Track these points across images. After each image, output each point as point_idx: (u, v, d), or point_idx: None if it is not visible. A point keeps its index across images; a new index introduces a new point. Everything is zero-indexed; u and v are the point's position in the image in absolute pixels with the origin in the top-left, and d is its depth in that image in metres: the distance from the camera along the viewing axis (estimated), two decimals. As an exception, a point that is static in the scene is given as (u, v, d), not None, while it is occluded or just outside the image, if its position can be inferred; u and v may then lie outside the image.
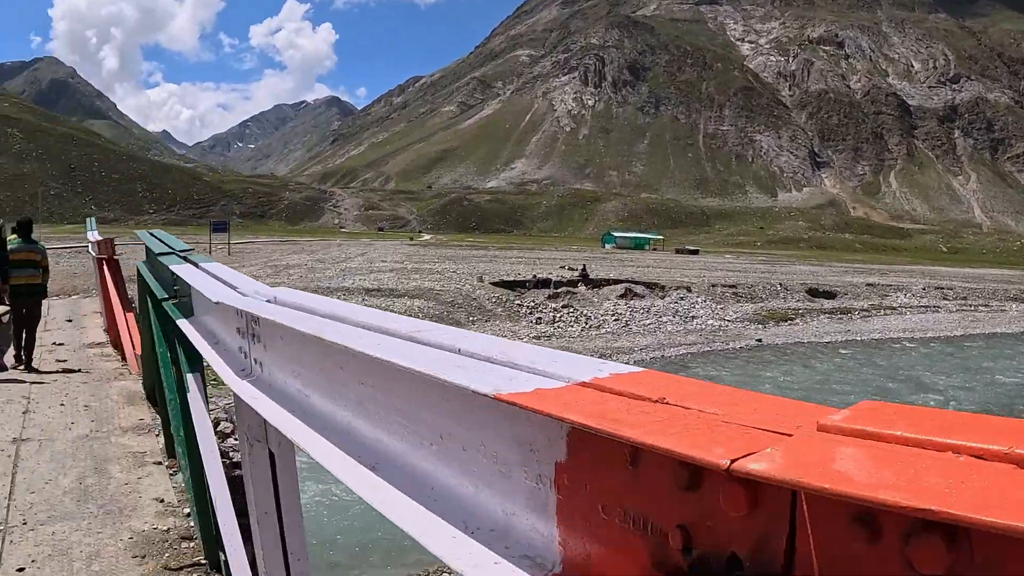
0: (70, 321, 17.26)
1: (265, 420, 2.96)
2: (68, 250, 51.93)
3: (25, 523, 6.37)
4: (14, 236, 11.29)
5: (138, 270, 7.88)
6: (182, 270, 4.61)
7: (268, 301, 3.01)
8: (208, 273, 4.31)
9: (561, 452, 1.18)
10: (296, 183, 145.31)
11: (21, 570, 5.59)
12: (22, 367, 10.89)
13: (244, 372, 3.30)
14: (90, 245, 18.21)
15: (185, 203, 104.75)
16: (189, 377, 4.91)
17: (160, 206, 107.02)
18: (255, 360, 3.15)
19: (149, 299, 7.14)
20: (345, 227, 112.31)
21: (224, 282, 3.93)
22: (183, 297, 5.19)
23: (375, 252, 62.62)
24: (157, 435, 8.42)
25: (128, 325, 11.67)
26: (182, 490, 7.20)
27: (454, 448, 1.50)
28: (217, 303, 3.34)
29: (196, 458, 5.45)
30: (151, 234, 7.54)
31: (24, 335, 11.07)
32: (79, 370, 11.48)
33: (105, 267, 12.95)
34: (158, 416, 9.01)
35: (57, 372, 11.44)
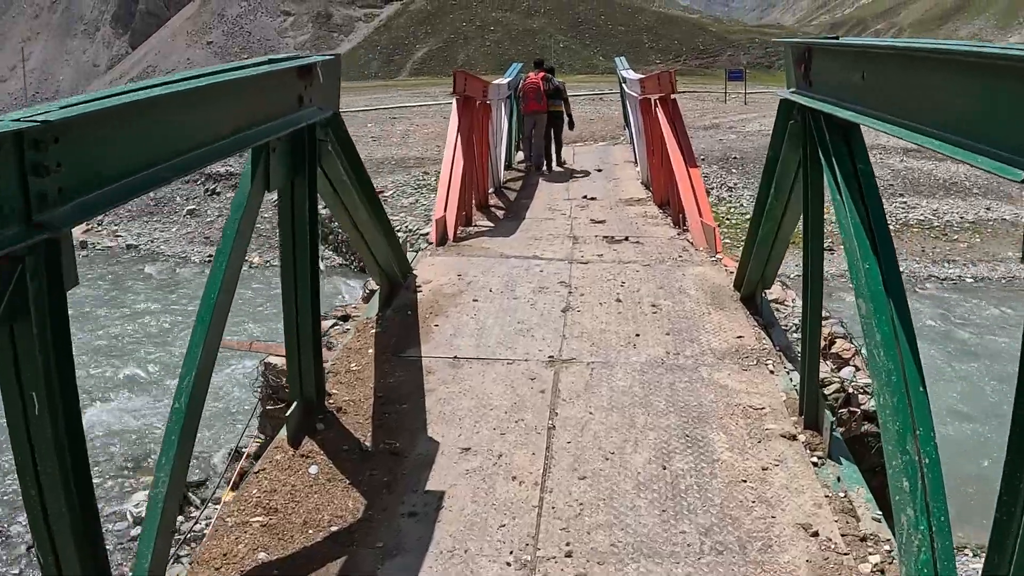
0: (599, 171, 15.02)
1: None
2: (581, 97, 52.31)
3: (570, 555, 3.49)
4: None
5: (783, 104, 4.52)
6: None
7: None
8: None
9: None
10: (803, 33, 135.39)
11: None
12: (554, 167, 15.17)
13: None
14: (626, 83, 15.71)
15: (691, 53, 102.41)
16: None
17: (666, 56, 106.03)
18: None
19: (819, 144, 3.74)
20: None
21: None
22: None
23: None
24: (771, 372, 5.18)
25: (694, 185, 8.61)
26: (846, 509, 3.90)
27: None
28: None
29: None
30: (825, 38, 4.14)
31: (551, 145, 15.21)
32: (624, 239, 8.78)
33: (659, 108, 9.97)
34: (764, 334, 5.79)
35: (599, 239, 8.89)
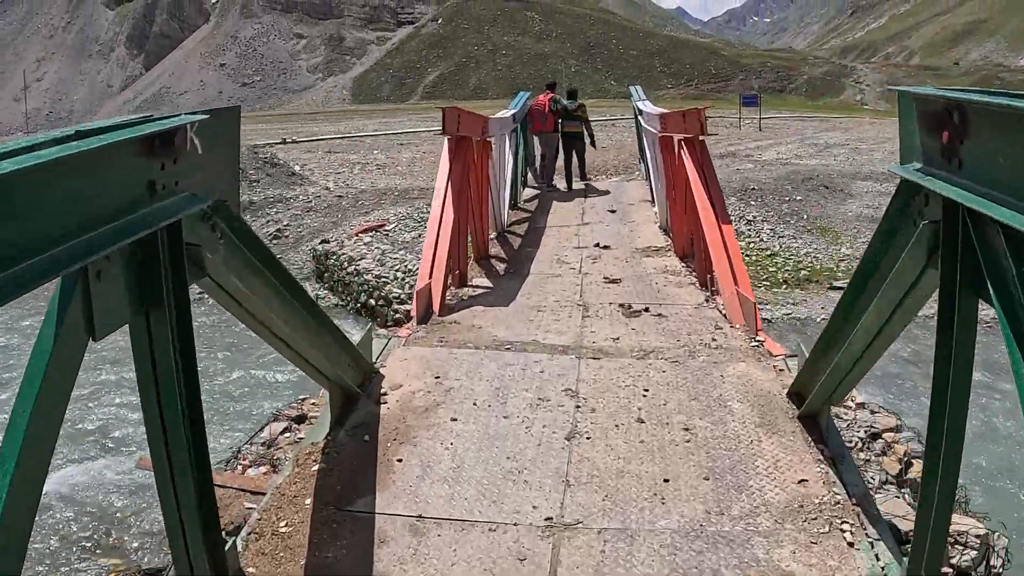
0: (613, 212, 13.54)
1: None
2: (592, 123, 50.73)
3: None
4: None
5: (904, 187, 3.02)
6: None
7: None
8: None
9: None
10: (815, 57, 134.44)
11: None
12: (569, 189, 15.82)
13: None
14: (642, 116, 14.24)
15: (703, 77, 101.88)
16: None
17: (678, 80, 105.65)
18: None
19: (986, 265, 2.28)
20: (867, 104, 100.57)
21: None
22: None
23: (918, 134, 52.90)
24: (850, 545, 3.69)
25: (728, 247, 7.12)
26: None
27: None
28: None
29: None
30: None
31: (570, 165, 15.90)
32: (644, 310, 7.29)
33: (684, 150, 8.51)
34: (833, 474, 4.29)
35: (613, 308, 7.42)
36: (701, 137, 8.01)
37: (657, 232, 11.65)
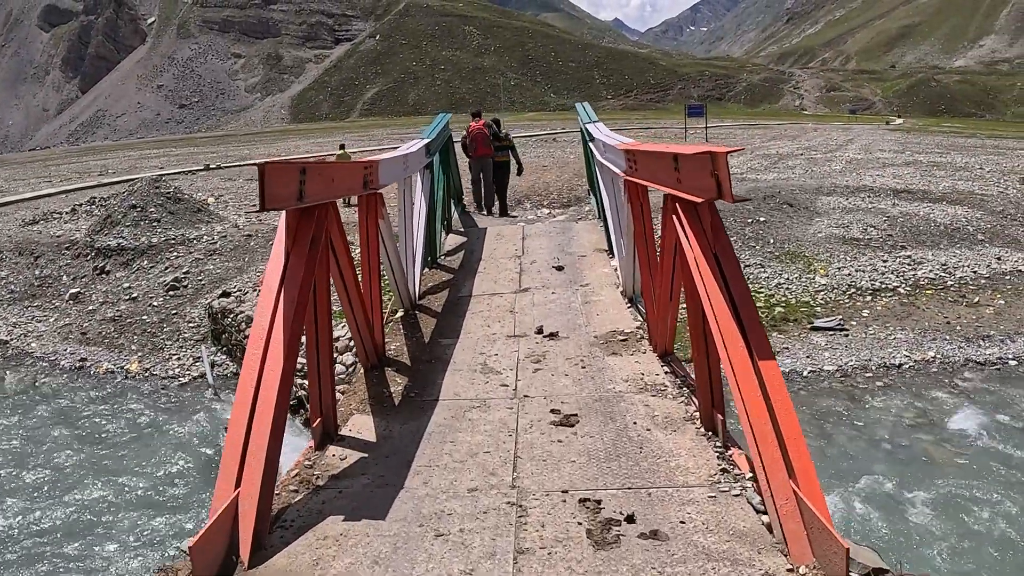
0: (560, 269, 10.19)
1: None
2: (532, 138, 47.64)
3: None
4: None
5: None
6: None
7: None
8: None
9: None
10: (753, 64, 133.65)
11: None
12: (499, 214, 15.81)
13: None
14: (593, 144, 10.88)
15: (642, 88, 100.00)
16: None
17: (617, 92, 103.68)
18: None
19: None
20: (807, 109, 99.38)
21: None
22: None
23: (862, 139, 50.96)
24: None
25: (773, 407, 3.78)
26: None
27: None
28: None
29: None
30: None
31: (497, 195, 15.90)
32: (626, 520, 4.00)
33: (683, 220, 4.79)
34: None
35: (568, 512, 4.13)
36: (716, 199, 4.46)
37: (620, 302, 8.40)
